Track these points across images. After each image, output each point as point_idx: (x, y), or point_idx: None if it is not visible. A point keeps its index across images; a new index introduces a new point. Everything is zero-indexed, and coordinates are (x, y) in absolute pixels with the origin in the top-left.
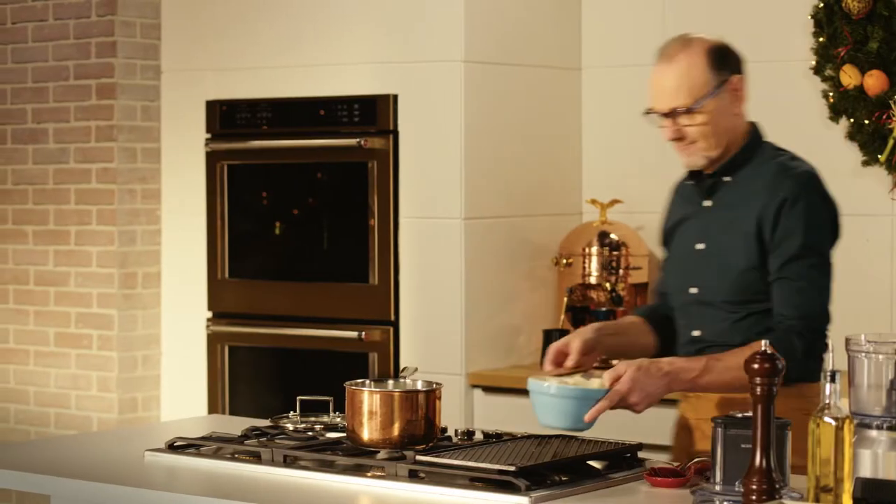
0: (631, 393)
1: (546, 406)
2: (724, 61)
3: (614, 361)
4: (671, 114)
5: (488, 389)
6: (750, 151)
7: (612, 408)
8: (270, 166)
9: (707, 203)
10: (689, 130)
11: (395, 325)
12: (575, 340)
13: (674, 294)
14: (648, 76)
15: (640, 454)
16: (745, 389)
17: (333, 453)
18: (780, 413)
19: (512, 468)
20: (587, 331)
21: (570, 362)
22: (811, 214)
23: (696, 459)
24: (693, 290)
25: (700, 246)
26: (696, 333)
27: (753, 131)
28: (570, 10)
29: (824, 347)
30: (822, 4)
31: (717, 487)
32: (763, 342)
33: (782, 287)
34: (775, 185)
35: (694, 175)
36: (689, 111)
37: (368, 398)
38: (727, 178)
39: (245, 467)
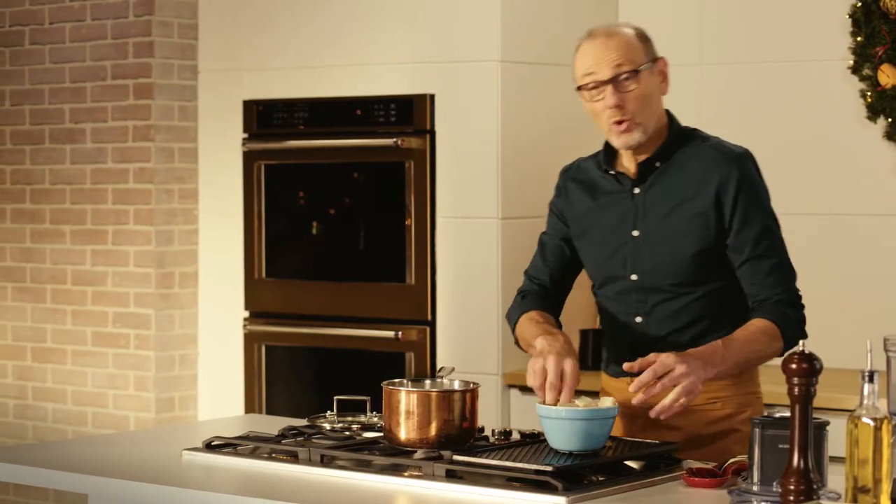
0: (679, 364)
1: (559, 430)
2: (651, 43)
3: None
4: (614, 80)
5: (525, 389)
6: (679, 136)
7: (658, 388)
8: (307, 166)
9: (637, 190)
10: (629, 99)
11: (432, 324)
12: (568, 367)
13: (606, 282)
14: (580, 55)
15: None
16: (758, 363)
17: (370, 453)
18: (738, 400)
19: (549, 468)
20: (568, 352)
21: (566, 396)
22: (763, 193)
23: (733, 460)
24: (634, 277)
25: (636, 233)
26: (638, 320)
27: (672, 117)
28: (607, 9)
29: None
30: (859, 4)
31: (755, 488)
32: (801, 342)
33: (756, 267)
34: (725, 167)
35: (608, 163)
36: (635, 73)
37: (405, 398)
38: (658, 164)
39: (282, 467)
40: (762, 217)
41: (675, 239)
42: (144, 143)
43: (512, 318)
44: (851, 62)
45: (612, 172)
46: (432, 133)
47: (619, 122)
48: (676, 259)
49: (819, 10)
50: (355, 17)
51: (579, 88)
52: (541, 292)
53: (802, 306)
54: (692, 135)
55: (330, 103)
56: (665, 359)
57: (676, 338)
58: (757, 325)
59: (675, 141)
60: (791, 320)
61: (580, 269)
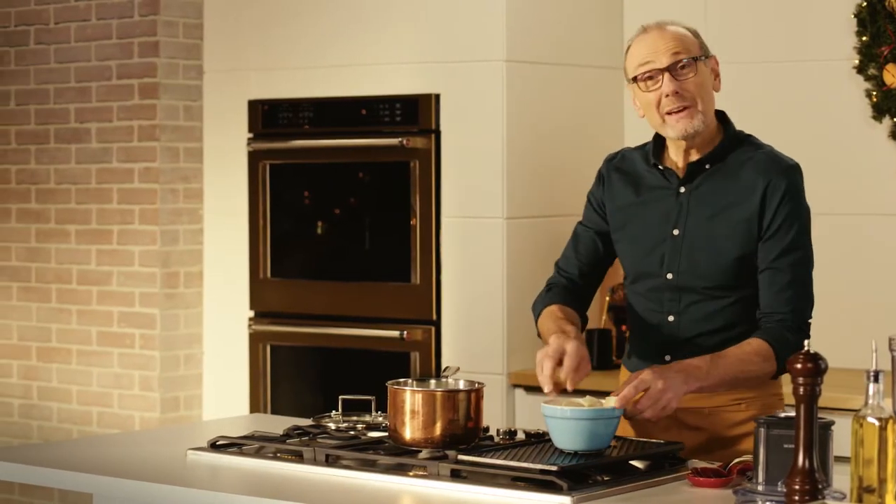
0: (656, 380)
1: (563, 429)
2: (703, 41)
3: None
4: (672, 67)
5: (530, 389)
6: (735, 140)
7: (642, 411)
8: (312, 166)
9: (683, 189)
10: (688, 86)
11: (437, 324)
12: (570, 347)
13: (639, 278)
14: (634, 49)
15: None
16: (747, 384)
17: (375, 452)
18: (761, 402)
19: (554, 468)
20: (574, 342)
21: (568, 382)
22: (803, 209)
23: (738, 460)
24: (669, 276)
25: (676, 232)
26: (670, 319)
27: (727, 119)
28: (613, 8)
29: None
30: (865, 3)
31: (760, 488)
32: (805, 341)
33: (774, 279)
34: (775, 176)
35: (656, 156)
36: (694, 60)
37: (410, 398)
38: (708, 166)
39: (287, 466)
40: (797, 233)
41: (717, 242)
42: (149, 142)
43: (536, 309)
44: (857, 62)
45: (660, 167)
46: (437, 133)
47: (678, 111)
48: (716, 262)
49: (824, 10)
50: (360, 16)
51: (634, 80)
52: (568, 286)
53: (808, 334)
54: (746, 140)
55: (335, 103)
56: (644, 376)
57: (707, 340)
58: (753, 344)
59: (730, 144)
60: (789, 344)
61: (612, 262)
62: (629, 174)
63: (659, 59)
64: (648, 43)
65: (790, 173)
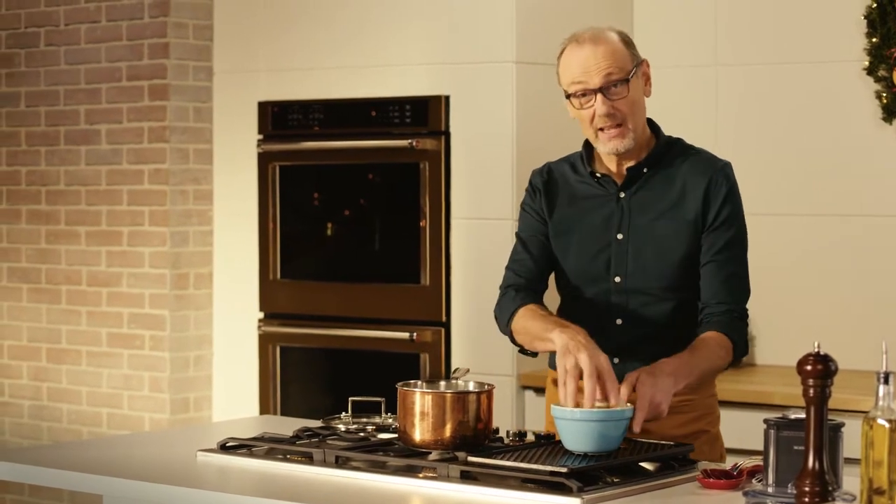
0: (655, 395)
1: (573, 431)
2: (634, 47)
3: None
4: (604, 88)
5: (540, 391)
6: (667, 145)
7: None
8: (322, 167)
9: (623, 194)
10: (620, 106)
11: (447, 326)
12: (604, 362)
13: (584, 284)
14: (567, 62)
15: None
16: (713, 375)
17: (385, 454)
18: (704, 402)
19: (564, 469)
20: (596, 346)
21: (613, 400)
22: (741, 206)
23: (748, 461)
24: (617, 279)
25: (620, 236)
26: (619, 322)
27: (657, 126)
28: (622, 10)
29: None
30: (875, 5)
31: (770, 489)
32: (815, 342)
33: (719, 269)
34: (716, 174)
35: (589, 165)
36: (625, 81)
37: (420, 399)
38: (646, 170)
39: (297, 468)
40: (738, 228)
41: (662, 242)
42: (159, 144)
43: (505, 312)
44: (867, 63)
45: (597, 175)
46: (447, 134)
47: (610, 128)
48: (663, 262)
49: (834, 11)
50: (370, 18)
51: (568, 96)
52: (529, 286)
53: (748, 322)
54: (678, 143)
55: (345, 104)
56: (642, 378)
57: (653, 341)
58: (715, 338)
59: (664, 149)
60: (741, 335)
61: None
62: (560, 186)
63: (591, 80)
64: (581, 60)
65: (728, 171)
